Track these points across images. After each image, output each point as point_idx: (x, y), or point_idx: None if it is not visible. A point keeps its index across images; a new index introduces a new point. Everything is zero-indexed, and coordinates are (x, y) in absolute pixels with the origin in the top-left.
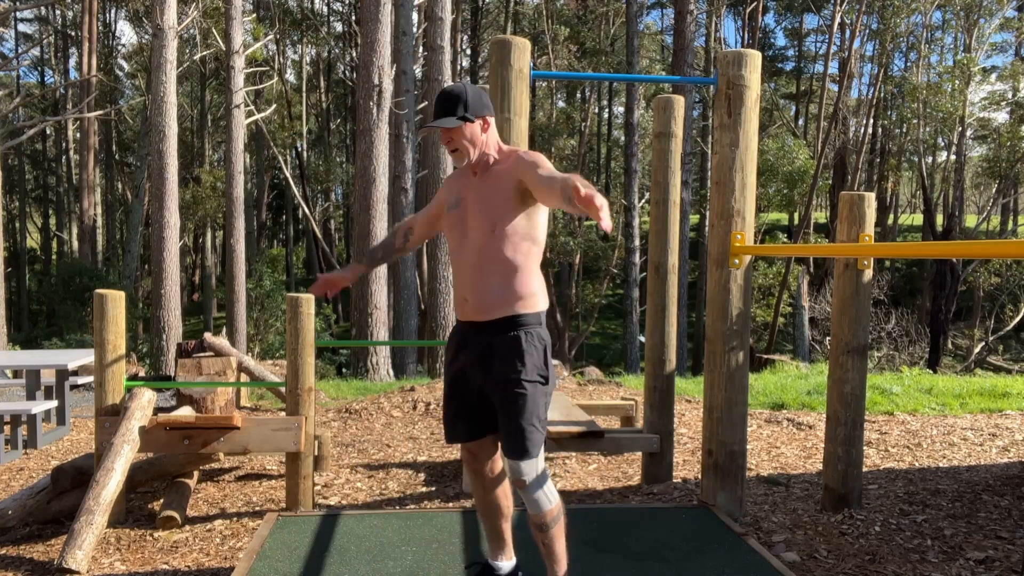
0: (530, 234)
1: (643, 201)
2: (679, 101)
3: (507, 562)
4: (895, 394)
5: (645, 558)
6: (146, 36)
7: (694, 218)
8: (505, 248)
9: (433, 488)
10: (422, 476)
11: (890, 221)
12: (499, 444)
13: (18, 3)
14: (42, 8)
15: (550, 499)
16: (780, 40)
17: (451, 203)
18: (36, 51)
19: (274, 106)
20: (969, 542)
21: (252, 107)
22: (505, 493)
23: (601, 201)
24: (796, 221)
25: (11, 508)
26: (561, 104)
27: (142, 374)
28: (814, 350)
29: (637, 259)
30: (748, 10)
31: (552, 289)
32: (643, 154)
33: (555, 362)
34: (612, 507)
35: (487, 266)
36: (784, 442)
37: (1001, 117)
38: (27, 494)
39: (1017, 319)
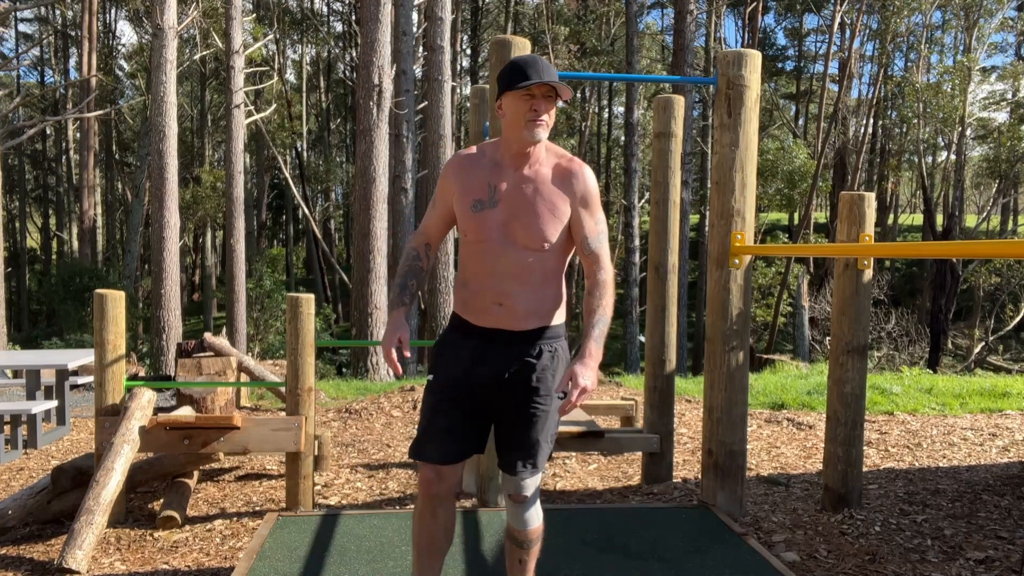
0: (568, 246)
1: (643, 201)
2: (679, 101)
3: None
4: (895, 394)
5: (645, 558)
6: (146, 36)
7: (694, 218)
8: (550, 261)
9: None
10: None
11: (890, 221)
12: (501, 460)
13: (18, 3)
14: (42, 8)
15: (539, 516)
16: (780, 40)
17: (483, 199)
18: (36, 51)
19: (274, 106)
20: (969, 542)
21: (252, 107)
22: (449, 528)
23: (580, 396)
24: (796, 221)
25: (11, 508)
26: (561, 104)
27: (142, 374)
28: (814, 350)
29: (637, 259)
30: (748, 10)
31: None
32: (643, 154)
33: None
34: (612, 507)
35: (531, 277)
36: (784, 442)
37: (1001, 117)
38: (27, 494)
39: (1017, 319)
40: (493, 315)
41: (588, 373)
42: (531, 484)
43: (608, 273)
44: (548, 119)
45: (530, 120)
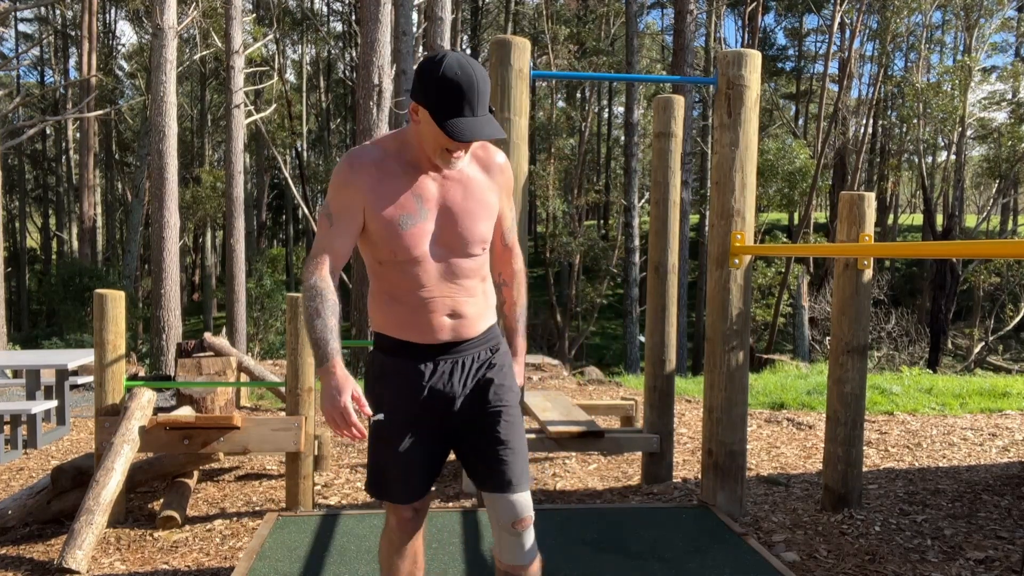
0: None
1: (643, 201)
2: (679, 101)
3: None
4: (895, 394)
5: (645, 558)
6: (146, 36)
7: (694, 218)
8: (485, 257)
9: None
10: None
11: (890, 221)
12: (491, 481)
13: (18, 3)
14: (42, 8)
15: (536, 546)
16: (780, 40)
17: (412, 213)
18: (36, 51)
19: (274, 106)
20: (969, 542)
21: (252, 107)
22: (422, 555)
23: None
24: (796, 221)
25: (11, 508)
26: (561, 104)
27: (142, 374)
28: (814, 350)
29: (637, 259)
30: (748, 10)
31: (552, 289)
32: (643, 154)
33: (555, 362)
34: (612, 507)
35: (474, 280)
36: (784, 442)
37: (1001, 117)
38: (27, 494)
39: (1017, 319)
40: (442, 331)
41: (521, 371)
42: (529, 501)
43: (521, 261)
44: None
45: (447, 159)
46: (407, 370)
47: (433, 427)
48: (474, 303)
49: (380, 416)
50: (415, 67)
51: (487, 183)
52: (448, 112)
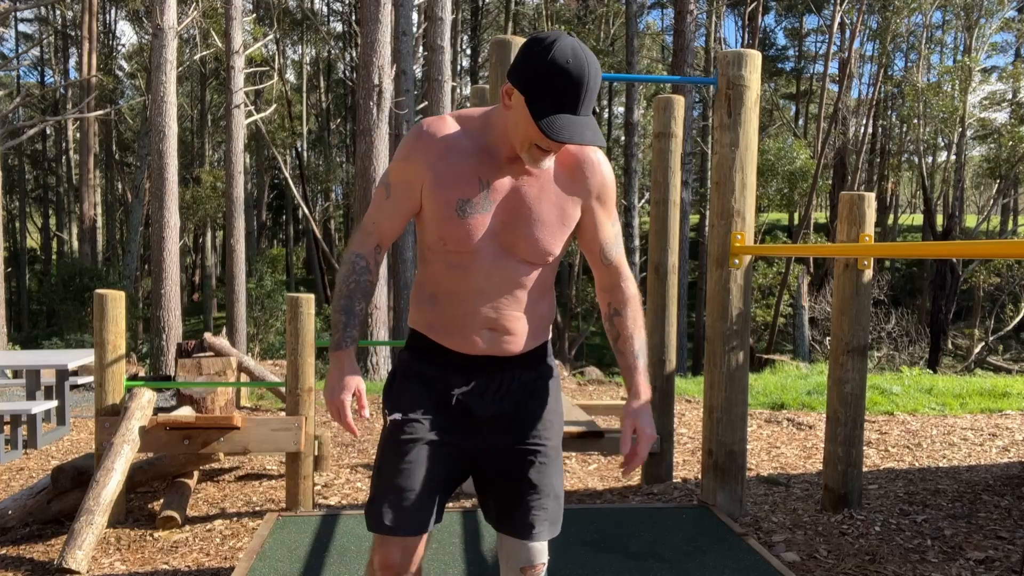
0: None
1: (643, 201)
2: (679, 101)
3: None
4: (895, 394)
5: (645, 558)
6: (146, 36)
7: (694, 218)
8: (549, 273)
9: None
10: None
11: (890, 221)
12: (509, 524)
13: (18, 3)
14: (42, 8)
15: None
16: (780, 40)
17: (472, 199)
18: (36, 51)
19: (274, 106)
20: (969, 542)
21: (252, 107)
22: None
23: (647, 445)
24: (796, 221)
25: (11, 508)
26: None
27: (142, 374)
28: (814, 350)
29: (637, 259)
30: (748, 10)
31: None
32: (643, 154)
33: (555, 362)
34: (612, 507)
35: (528, 295)
36: (784, 442)
37: (1001, 117)
38: (27, 494)
39: (1017, 319)
40: (481, 342)
41: (649, 418)
42: (546, 547)
43: (634, 285)
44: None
45: (536, 156)
46: (437, 375)
47: (453, 446)
48: (521, 320)
49: (396, 415)
50: (526, 40)
51: (570, 186)
52: (548, 105)
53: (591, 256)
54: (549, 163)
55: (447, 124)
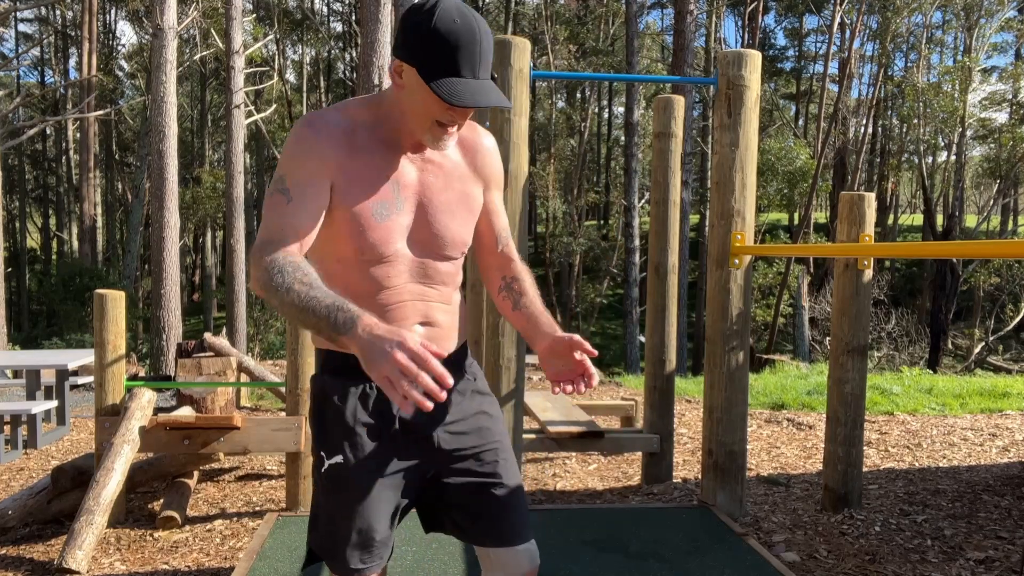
0: None
1: (643, 201)
2: (679, 101)
3: None
4: (895, 394)
5: (645, 558)
6: (146, 36)
7: (694, 218)
8: (460, 266)
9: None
10: None
11: (890, 221)
12: (493, 534)
13: (18, 3)
14: (42, 8)
15: None
16: (780, 40)
17: (388, 201)
18: (36, 51)
19: (274, 106)
20: (969, 542)
21: (252, 107)
22: None
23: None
24: (796, 221)
25: (11, 508)
26: (561, 104)
27: (142, 374)
28: (814, 350)
29: (637, 259)
30: (748, 10)
31: (552, 289)
32: (643, 154)
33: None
34: (612, 507)
35: (448, 289)
36: (784, 442)
37: (1001, 117)
38: (27, 494)
39: (1017, 319)
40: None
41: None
42: (536, 549)
43: (526, 267)
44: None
45: (438, 134)
46: (369, 396)
47: (404, 469)
48: (449, 312)
49: (338, 458)
50: (406, 10)
51: (469, 172)
52: (441, 70)
53: (486, 242)
54: (452, 143)
55: (340, 118)
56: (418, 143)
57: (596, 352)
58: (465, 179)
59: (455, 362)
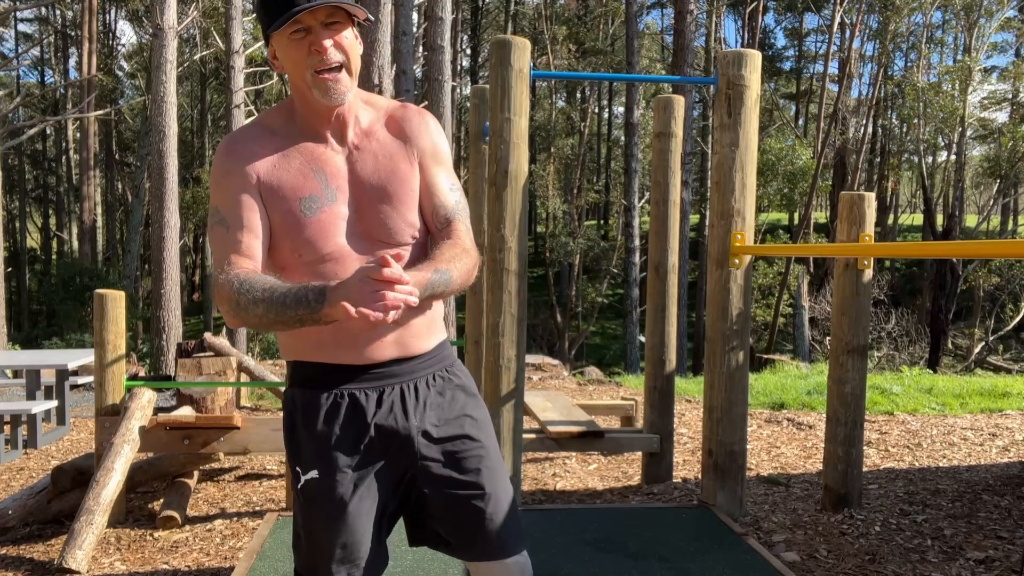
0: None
1: (643, 201)
2: (679, 101)
3: None
4: (895, 394)
5: (645, 558)
6: (146, 36)
7: (694, 218)
8: (421, 251)
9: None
10: None
11: (890, 221)
12: (479, 546)
13: (18, 3)
14: (42, 8)
15: None
16: (780, 40)
17: (316, 195)
18: (36, 51)
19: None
20: (969, 542)
21: (252, 107)
22: None
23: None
24: (796, 221)
25: (11, 508)
26: (561, 104)
27: (142, 374)
28: (814, 350)
29: (637, 259)
30: (748, 10)
31: (552, 289)
32: (643, 154)
33: (555, 362)
34: (612, 507)
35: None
36: (784, 442)
37: (1001, 117)
38: (27, 494)
39: (1017, 319)
40: (388, 340)
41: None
42: (528, 561)
43: (474, 251)
44: (347, 60)
45: (316, 72)
46: (341, 405)
47: (384, 479)
48: (416, 309)
49: (313, 473)
50: None
51: (400, 148)
52: (281, 8)
53: (427, 217)
54: (342, 90)
55: (252, 130)
56: (338, 130)
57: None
58: (396, 156)
59: (434, 359)
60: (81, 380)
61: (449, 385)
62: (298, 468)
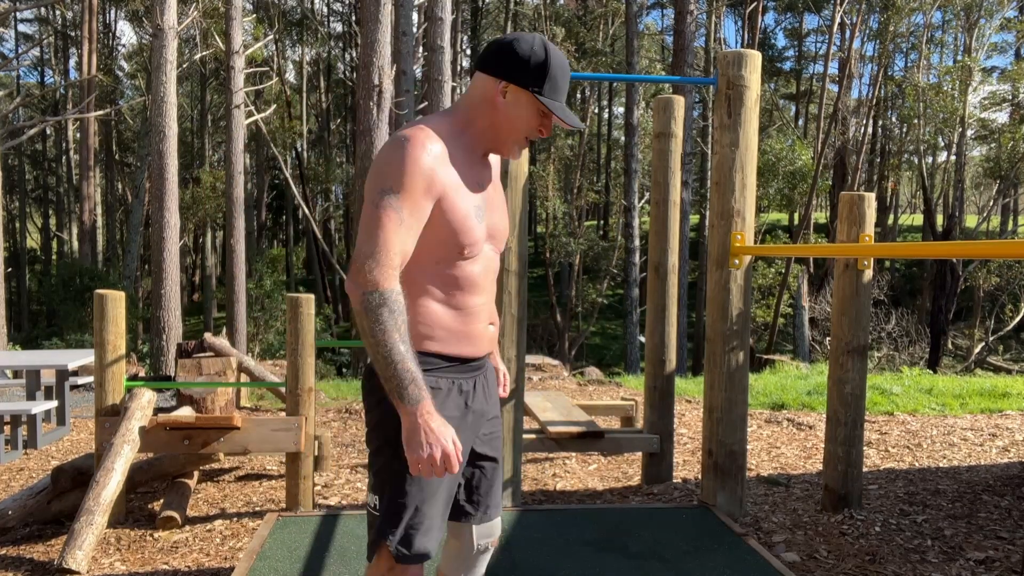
0: None
1: (643, 201)
2: (679, 101)
3: None
4: (895, 394)
5: (645, 558)
6: (146, 36)
7: (694, 218)
8: None
9: None
10: None
11: (890, 221)
12: (485, 505)
13: (18, 3)
14: (42, 8)
15: None
16: (780, 40)
17: (479, 204)
18: (36, 51)
19: (274, 106)
20: (969, 542)
21: (252, 107)
22: None
23: None
24: (796, 221)
25: (11, 508)
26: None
27: (142, 374)
28: (814, 350)
29: (637, 259)
30: (748, 10)
31: (552, 289)
32: (643, 154)
33: (555, 362)
34: (612, 507)
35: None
36: (784, 442)
37: (1001, 117)
38: (27, 494)
39: (1017, 319)
40: (486, 338)
41: None
42: None
43: None
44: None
45: (526, 138)
46: (455, 391)
47: (466, 456)
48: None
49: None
50: (501, 44)
51: (495, 171)
52: (557, 97)
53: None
54: (516, 156)
55: (440, 132)
56: (485, 150)
57: None
58: (496, 178)
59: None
60: (81, 380)
61: (491, 373)
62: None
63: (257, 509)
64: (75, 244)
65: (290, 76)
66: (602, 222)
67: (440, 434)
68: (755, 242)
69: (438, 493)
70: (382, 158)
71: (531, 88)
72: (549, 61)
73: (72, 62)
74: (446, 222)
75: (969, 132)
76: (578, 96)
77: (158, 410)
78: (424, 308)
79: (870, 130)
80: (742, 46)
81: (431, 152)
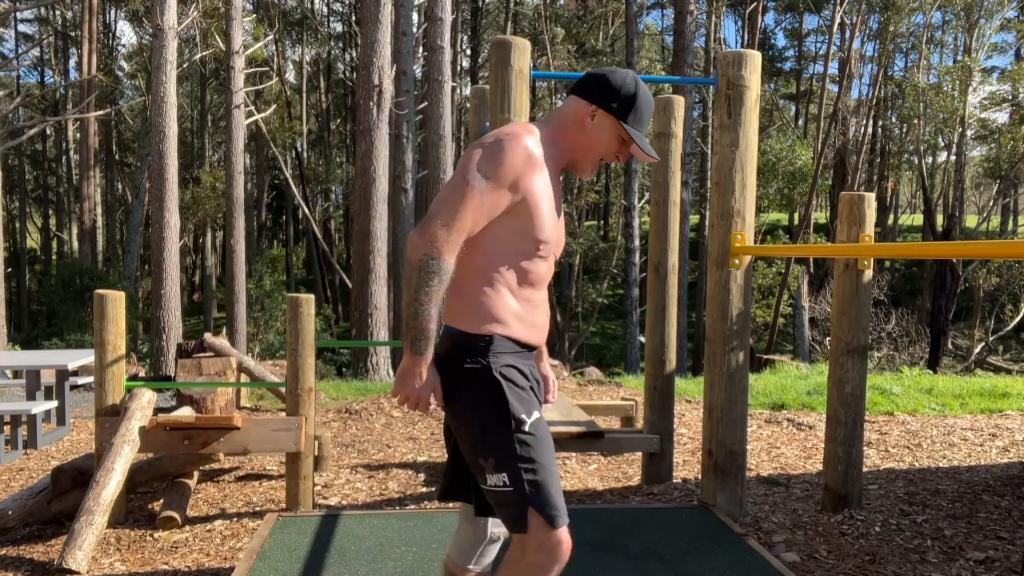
0: None
1: (643, 201)
2: (679, 101)
3: None
4: (895, 394)
5: (645, 558)
6: (146, 36)
7: (694, 218)
8: None
9: (433, 488)
10: (422, 476)
11: (890, 221)
12: None
13: (18, 3)
14: (42, 8)
15: None
16: (780, 40)
17: (556, 208)
18: (36, 51)
19: (274, 106)
20: (969, 542)
21: (252, 107)
22: None
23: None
24: (796, 221)
25: (11, 508)
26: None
27: (142, 374)
28: (814, 350)
29: (637, 259)
30: (748, 10)
31: (552, 289)
32: None
33: (555, 362)
34: (612, 507)
35: None
36: (784, 442)
37: (1002, 117)
38: (27, 494)
39: (1017, 319)
40: (545, 330)
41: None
42: None
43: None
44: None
45: (597, 166)
46: (524, 375)
47: None
48: None
49: (536, 414)
50: (597, 73)
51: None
52: (641, 128)
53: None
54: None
55: (538, 138)
56: (565, 165)
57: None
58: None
59: None
60: (81, 380)
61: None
62: (523, 416)
63: (257, 509)
64: (75, 244)
65: (290, 76)
66: (602, 222)
67: (426, 383)
68: (755, 242)
69: (551, 458)
70: (488, 141)
71: (617, 115)
72: (638, 95)
73: (72, 62)
74: (529, 216)
75: (969, 132)
76: None
77: (158, 410)
78: (501, 297)
79: (870, 130)
80: (742, 46)
81: (529, 152)
